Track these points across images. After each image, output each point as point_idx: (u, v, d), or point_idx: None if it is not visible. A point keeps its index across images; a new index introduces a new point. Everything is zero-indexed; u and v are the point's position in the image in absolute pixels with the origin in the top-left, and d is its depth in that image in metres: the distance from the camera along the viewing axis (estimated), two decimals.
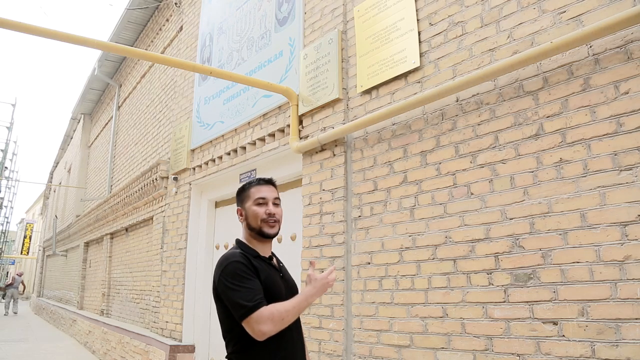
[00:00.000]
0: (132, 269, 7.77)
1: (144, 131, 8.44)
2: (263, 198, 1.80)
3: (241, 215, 1.85)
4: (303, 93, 3.83)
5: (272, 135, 4.25)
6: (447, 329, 2.55)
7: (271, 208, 1.79)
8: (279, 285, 1.76)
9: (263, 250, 1.82)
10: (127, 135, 9.73)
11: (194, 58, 6.06)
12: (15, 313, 17.39)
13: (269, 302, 1.63)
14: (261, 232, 1.78)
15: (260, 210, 1.78)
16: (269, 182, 1.88)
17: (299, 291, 1.81)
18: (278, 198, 1.85)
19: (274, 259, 1.88)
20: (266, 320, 1.57)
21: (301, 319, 2.06)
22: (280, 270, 1.86)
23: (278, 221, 1.81)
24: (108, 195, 9.42)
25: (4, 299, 17.93)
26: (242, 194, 1.87)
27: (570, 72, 2.26)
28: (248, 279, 1.64)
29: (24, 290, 20.62)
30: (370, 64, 3.31)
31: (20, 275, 19.42)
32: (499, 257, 2.39)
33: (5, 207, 22.16)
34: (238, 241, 1.85)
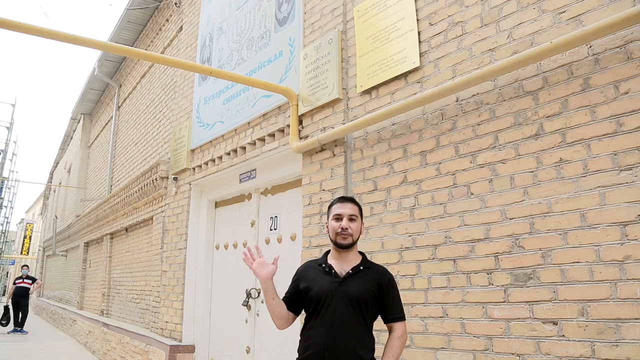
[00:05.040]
0: (132, 269, 7.76)
1: (144, 131, 8.44)
2: (339, 214, 2.08)
3: (326, 228, 2.15)
4: (303, 93, 3.83)
5: (272, 135, 4.25)
6: (447, 329, 2.55)
7: (344, 223, 2.05)
8: (320, 288, 2.02)
9: (339, 258, 2.09)
10: (127, 136, 9.73)
11: (193, 58, 6.06)
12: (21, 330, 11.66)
13: (308, 301, 2.03)
14: (335, 242, 2.07)
15: (336, 225, 2.07)
16: (349, 200, 2.14)
17: (362, 299, 2.00)
18: (354, 214, 2.08)
19: (349, 269, 2.06)
20: None
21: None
22: (340, 276, 2.04)
23: (351, 234, 2.05)
24: (108, 196, 9.42)
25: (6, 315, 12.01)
26: (328, 211, 2.17)
27: (570, 72, 2.26)
28: (290, 283, 2.17)
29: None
30: (370, 64, 3.31)
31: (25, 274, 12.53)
32: (499, 257, 2.39)
33: (5, 207, 22.13)
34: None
